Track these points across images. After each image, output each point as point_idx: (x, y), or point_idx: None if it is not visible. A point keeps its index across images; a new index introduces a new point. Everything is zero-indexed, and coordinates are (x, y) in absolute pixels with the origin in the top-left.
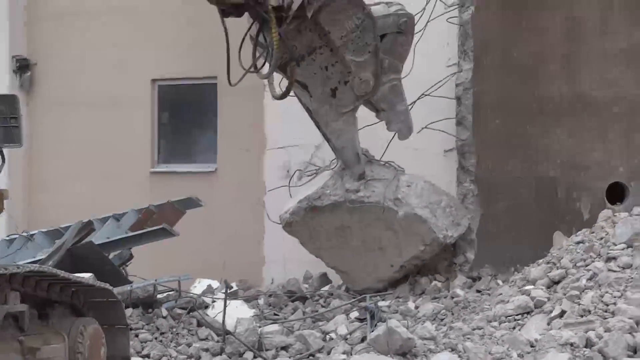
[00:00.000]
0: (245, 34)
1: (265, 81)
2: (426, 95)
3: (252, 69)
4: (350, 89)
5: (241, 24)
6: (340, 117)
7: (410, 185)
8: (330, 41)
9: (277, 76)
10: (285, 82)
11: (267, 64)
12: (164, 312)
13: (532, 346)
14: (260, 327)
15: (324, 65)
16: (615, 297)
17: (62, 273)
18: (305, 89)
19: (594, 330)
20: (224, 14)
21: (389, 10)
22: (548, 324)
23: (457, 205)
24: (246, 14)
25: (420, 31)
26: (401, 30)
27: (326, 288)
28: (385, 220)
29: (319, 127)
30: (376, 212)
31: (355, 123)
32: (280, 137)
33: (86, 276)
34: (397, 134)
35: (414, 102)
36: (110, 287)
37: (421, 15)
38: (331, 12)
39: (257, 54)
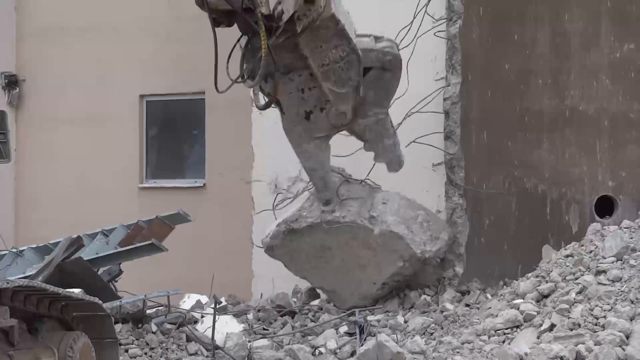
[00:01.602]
0: (235, 44)
1: (251, 93)
2: (415, 112)
3: (239, 79)
4: (326, 117)
5: (231, 35)
6: (313, 141)
7: (386, 203)
8: (309, 66)
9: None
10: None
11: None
12: (154, 327)
13: (521, 359)
14: (249, 341)
15: (301, 87)
16: (605, 310)
17: (52, 287)
18: (278, 106)
19: (584, 343)
20: (215, 22)
21: (376, 45)
22: (538, 337)
23: (435, 219)
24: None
25: (408, 45)
26: (386, 68)
27: (315, 302)
28: (363, 239)
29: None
30: (353, 232)
31: (328, 150)
32: (267, 152)
33: (76, 292)
34: (386, 164)
35: (404, 118)
36: (99, 301)
37: (409, 30)
38: (314, 39)
39: (245, 64)
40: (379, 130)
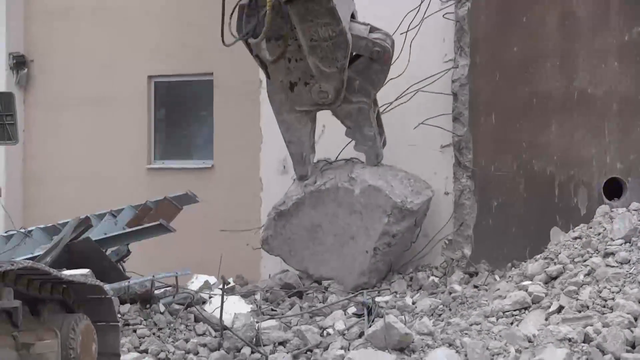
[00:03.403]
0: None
1: (262, 77)
2: (422, 91)
3: (245, 36)
4: (309, 92)
5: None
6: (293, 113)
7: (365, 167)
8: (298, 37)
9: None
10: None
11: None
12: (162, 308)
13: (530, 341)
14: (257, 322)
15: (288, 57)
16: (613, 292)
17: (54, 271)
18: (264, 68)
19: (592, 325)
20: None
21: (369, 35)
22: (546, 319)
23: (417, 178)
24: None
25: (416, 27)
26: (373, 58)
27: (326, 283)
28: (347, 204)
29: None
30: (336, 199)
31: (308, 126)
32: (276, 133)
33: (84, 272)
34: (364, 154)
35: (410, 98)
36: (101, 284)
37: (417, 11)
38: (305, 12)
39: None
40: (361, 119)
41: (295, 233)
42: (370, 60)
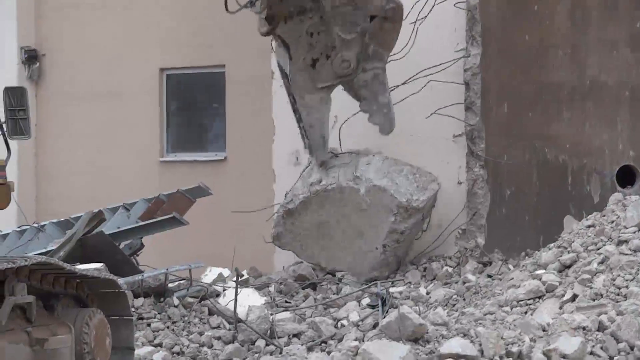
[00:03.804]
0: None
1: (274, 69)
2: (434, 81)
3: (248, 5)
4: (330, 65)
5: None
6: (316, 92)
7: (370, 163)
8: (321, 6)
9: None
10: None
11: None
12: (176, 301)
13: (544, 330)
14: (272, 314)
15: (310, 32)
16: (627, 280)
17: (68, 266)
18: (287, 49)
19: (606, 313)
20: None
21: None
22: (560, 308)
23: (422, 172)
24: None
25: (426, 16)
26: (387, 16)
27: (340, 274)
28: (353, 203)
29: (292, 101)
30: (342, 198)
31: (329, 104)
32: (288, 125)
33: (97, 266)
34: (379, 125)
35: (422, 87)
36: (115, 278)
37: (427, 0)
38: None
39: None
40: (376, 86)
41: (305, 229)
42: (382, 20)
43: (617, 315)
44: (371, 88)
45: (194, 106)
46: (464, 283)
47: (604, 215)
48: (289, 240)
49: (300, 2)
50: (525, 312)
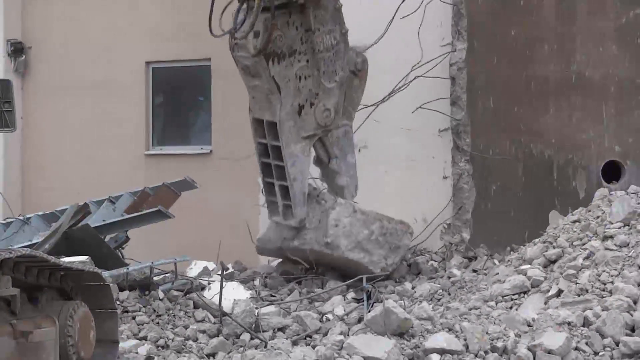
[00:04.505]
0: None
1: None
2: (420, 76)
3: (233, 30)
4: (313, 114)
5: None
6: (300, 142)
7: (338, 225)
8: (308, 49)
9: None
10: None
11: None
12: (161, 295)
13: (529, 325)
14: (257, 308)
15: (299, 75)
16: (612, 275)
17: (52, 259)
18: (279, 92)
19: (591, 309)
20: None
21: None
22: (545, 303)
23: (393, 227)
24: None
25: (414, 12)
26: (358, 69)
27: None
28: (329, 261)
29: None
30: (317, 257)
31: (310, 157)
32: None
33: (82, 259)
34: (344, 189)
35: (409, 82)
36: (100, 271)
37: None
38: (314, 20)
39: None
40: (346, 144)
41: (290, 259)
42: (352, 75)
43: (602, 310)
44: (342, 146)
45: (180, 100)
46: (449, 278)
47: (590, 211)
48: (274, 256)
49: (291, 42)
50: (510, 307)
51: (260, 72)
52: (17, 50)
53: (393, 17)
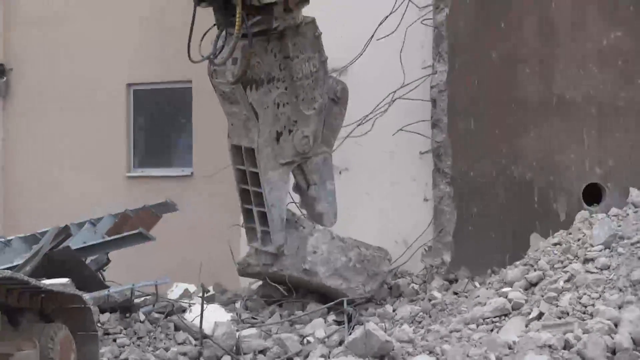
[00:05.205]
0: (209, 29)
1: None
2: (400, 98)
3: (211, 56)
4: (291, 141)
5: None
6: (278, 168)
7: (316, 252)
8: (287, 76)
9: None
10: None
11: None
12: (142, 317)
13: (510, 348)
14: (238, 330)
15: (277, 102)
16: (593, 298)
17: (33, 281)
18: (256, 118)
19: (572, 332)
20: (198, 1)
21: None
22: (526, 325)
23: (371, 254)
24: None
25: (392, 33)
26: (337, 97)
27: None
28: (309, 285)
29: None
30: (296, 282)
31: (288, 183)
32: None
33: (63, 281)
34: (322, 216)
35: (390, 104)
36: (80, 294)
37: (392, 17)
38: (294, 48)
39: (220, 42)
40: (325, 171)
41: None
42: (331, 103)
43: (584, 333)
44: (321, 172)
45: (161, 121)
46: (430, 300)
47: (571, 233)
48: (255, 277)
49: (270, 69)
50: (492, 330)
51: (239, 99)
52: None
53: (371, 37)
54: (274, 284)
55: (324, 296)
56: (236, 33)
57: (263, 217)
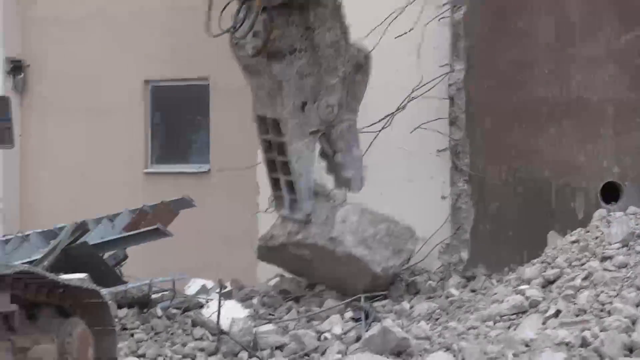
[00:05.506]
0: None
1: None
2: (418, 97)
3: (232, 29)
4: (316, 110)
5: None
6: (304, 138)
7: (345, 221)
8: (309, 47)
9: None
10: None
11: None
12: (159, 312)
13: (527, 346)
14: (255, 326)
15: (301, 73)
16: (610, 296)
17: (51, 276)
18: (280, 90)
19: (589, 329)
20: None
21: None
22: (543, 323)
23: (399, 230)
24: None
25: (409, 31)
26: (360, 64)
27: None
28: (330, 258)
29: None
30: (320, 253)
31: (315, 152)
32: None
33: (81, 276)
34: (350, 182)
35: (407, 103)
36: (98, 289)
37: (399, 14)
38: (315, 19)
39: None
40: (350, 138)
41: (289, 260)
42: (355, 71)
43: (601, 331)
44: (347, 139)
45: (178, 118)
46: (447, 297)
47: (588, 231)
48: (272, 260)
49: (292, 41)
50: (509, 327)
51: (261, 71)
52: (16, 68)
53: (383, 34)
54: (296, 252)
55: (340, 275)
56: (257, 7)
57: (290, 185)
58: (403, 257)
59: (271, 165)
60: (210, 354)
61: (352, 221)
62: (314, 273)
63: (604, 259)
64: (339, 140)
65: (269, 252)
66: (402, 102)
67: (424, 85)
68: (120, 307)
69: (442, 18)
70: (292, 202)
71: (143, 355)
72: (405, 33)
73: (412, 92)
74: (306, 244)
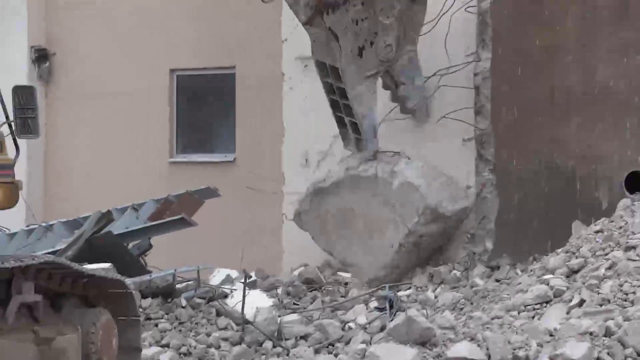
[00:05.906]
0: None
1: (285, 71)
2: (444, 85)
3: None
4: (374, 52)
5: None
6: (364, 81)
7: (409, 164)
8: None
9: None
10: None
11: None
12: (184, 302)
13: (551, 335)
14: (279, 316)
15: (355, 19)
16: (634, 286)
17: (75, 265)
18: (337, 40)
19: (613, 319)
20: None
21: None
22: (567, 313)
23: (458, 187)
24: None
25: (434, 19)
26: None
27: (347, 275)
28: (383, 195)
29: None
30: (373, 188)
31: (376, 93)
32: (298, 127)
33: (105, 266)
34: (415, 112)
35: (433, 93)
36: (123, 278)
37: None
38: None
39: None
40: (411, 69)
41: (328, 212)
42: (410, 2)
43: (624, 321)
44: (408, 72)
45: (204, 107)
46: (472, 287)
47: (612, 221)
48: (310, 219)
49: None
50: (533, 317)
51: (317, 25)
52: (41, 57)
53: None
54: (340, 202)
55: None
56: None
57: (355, 126)
58: (457, 206)
59: (335, 105)
60: (235, 344)
61: (416, 164)
62: (350, 234)
63: (628, 248)
64: (401, 75)
65: (311, 202)
66: (432, 92)
67: (450, 73)
68: (144, 296)
69: (469, 7)
70: (358, 141)
71: (167, 345)
72: (432, 20)
73: (439, 80)
74: (365, 177)
